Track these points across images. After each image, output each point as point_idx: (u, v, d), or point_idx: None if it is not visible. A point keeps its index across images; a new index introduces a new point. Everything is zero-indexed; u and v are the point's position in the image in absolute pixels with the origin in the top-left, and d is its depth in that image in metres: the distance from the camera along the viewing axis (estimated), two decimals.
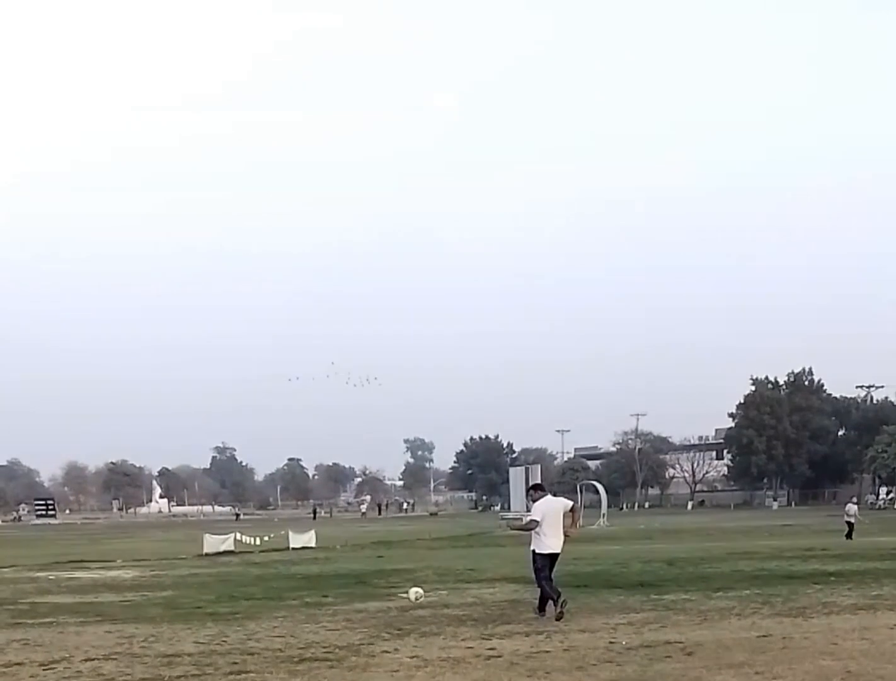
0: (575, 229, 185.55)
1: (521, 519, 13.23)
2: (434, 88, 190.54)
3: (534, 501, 13.28)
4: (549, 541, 12.75)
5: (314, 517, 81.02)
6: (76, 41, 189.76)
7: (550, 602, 12.62)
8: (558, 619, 12.22)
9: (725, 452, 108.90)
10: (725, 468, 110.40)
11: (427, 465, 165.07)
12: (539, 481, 18.69)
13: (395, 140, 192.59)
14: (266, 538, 35.20)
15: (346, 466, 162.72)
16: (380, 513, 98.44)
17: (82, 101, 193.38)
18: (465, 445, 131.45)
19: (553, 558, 12.86)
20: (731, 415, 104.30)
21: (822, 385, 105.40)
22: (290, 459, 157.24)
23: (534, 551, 12.88)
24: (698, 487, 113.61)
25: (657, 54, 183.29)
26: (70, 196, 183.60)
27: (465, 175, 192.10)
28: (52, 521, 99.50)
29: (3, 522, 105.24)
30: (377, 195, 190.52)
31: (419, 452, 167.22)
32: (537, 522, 12.72)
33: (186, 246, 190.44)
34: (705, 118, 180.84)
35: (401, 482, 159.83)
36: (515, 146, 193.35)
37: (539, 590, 12.89)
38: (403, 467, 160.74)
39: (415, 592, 14.85)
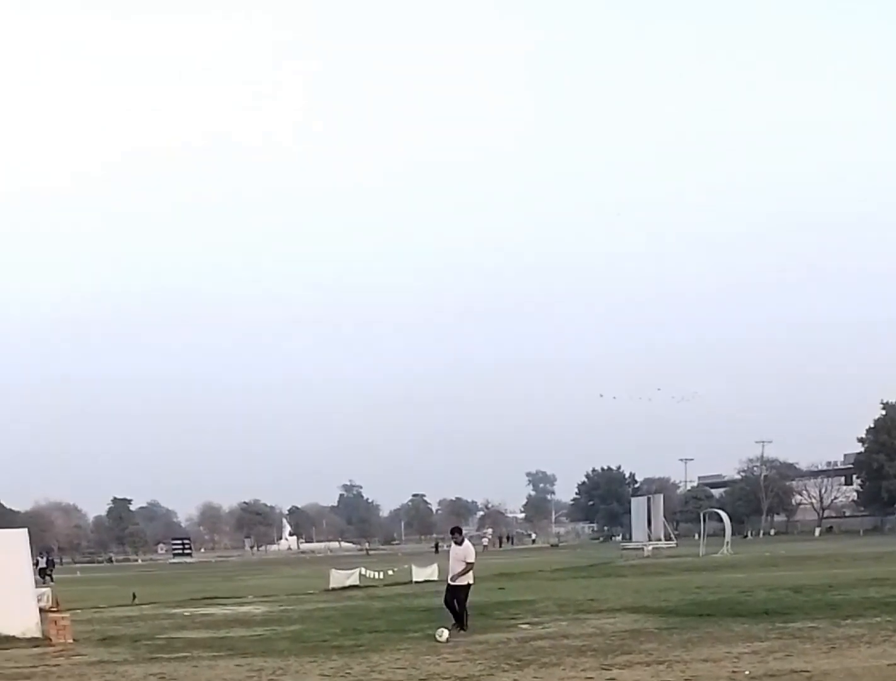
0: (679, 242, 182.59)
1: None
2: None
3: (458, 543, 16.24)
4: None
5: (436, 551, 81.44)
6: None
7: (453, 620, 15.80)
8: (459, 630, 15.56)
9: (854, 477, 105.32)
10: (854, 494, 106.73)
11: (548, 497, 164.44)
12: (458, 525, 22.84)
13: None
14: (390, 572, 35.68)
15: (469, 500, 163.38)
16: (500, 545, 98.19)
17: None
18: (587, 476, 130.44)
19: None
20: (860, 440, 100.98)
21: None
22: (414, 495, 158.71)
23: (470, 584, 15.93)
24: (826, 514, 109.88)
25: None
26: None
27: None
28: (188, 559, 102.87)
29: (141, 561, 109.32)
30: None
31: (541, 485, 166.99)
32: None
33: (309, 282, 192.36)
34: None
35: (522, 515, 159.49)
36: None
37: (458, 613, 15.79)
38: (525, 500, 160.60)
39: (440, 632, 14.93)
